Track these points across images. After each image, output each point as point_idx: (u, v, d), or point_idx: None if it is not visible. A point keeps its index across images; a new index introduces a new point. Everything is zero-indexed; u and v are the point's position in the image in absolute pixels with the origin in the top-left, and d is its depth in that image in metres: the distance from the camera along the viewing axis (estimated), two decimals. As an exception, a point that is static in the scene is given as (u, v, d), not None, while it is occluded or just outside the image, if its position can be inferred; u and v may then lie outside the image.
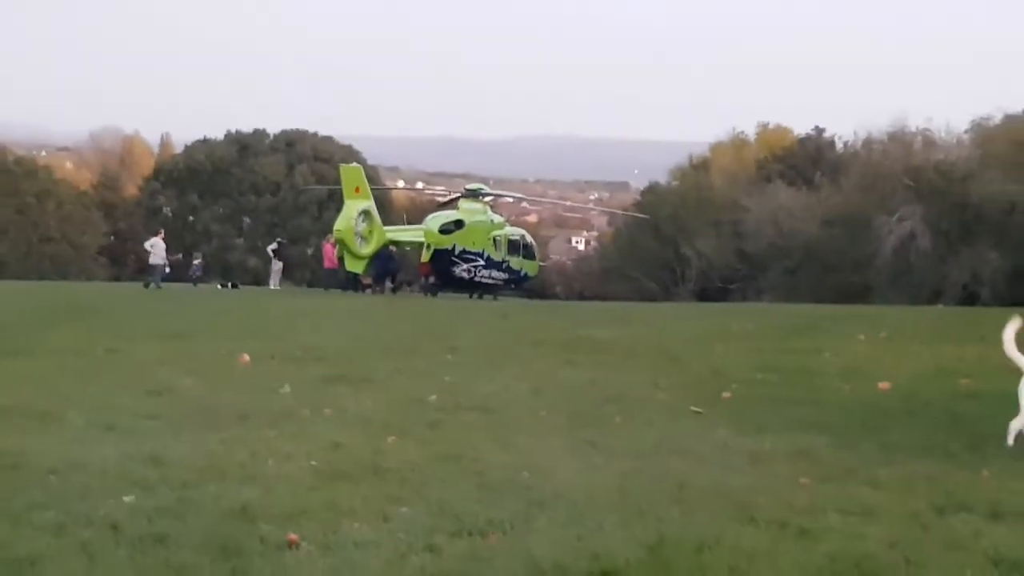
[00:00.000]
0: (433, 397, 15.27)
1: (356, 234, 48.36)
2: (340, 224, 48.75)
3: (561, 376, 18.05)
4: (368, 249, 49.02)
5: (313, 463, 10.51)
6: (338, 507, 8.81)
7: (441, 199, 63.25)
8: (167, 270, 49.96)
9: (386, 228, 50.94)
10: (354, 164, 54.52)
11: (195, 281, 52.69)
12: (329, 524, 8.30)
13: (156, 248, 49.26)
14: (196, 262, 57.04)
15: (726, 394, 16.41)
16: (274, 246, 54.87)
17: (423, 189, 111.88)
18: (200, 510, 8.60)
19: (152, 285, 46.69)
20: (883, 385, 17.16)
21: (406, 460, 10.84)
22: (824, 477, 10.72)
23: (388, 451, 11.31)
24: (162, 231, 53.55)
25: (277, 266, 53.80)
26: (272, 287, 52.44)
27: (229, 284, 55.61)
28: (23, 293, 40.28)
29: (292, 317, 27.92)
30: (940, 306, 43.24)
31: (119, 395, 14.75)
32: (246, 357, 18.74)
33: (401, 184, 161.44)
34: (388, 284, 51.79)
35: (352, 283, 50.59)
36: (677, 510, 9.05)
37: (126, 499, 8.87)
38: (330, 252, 51.23)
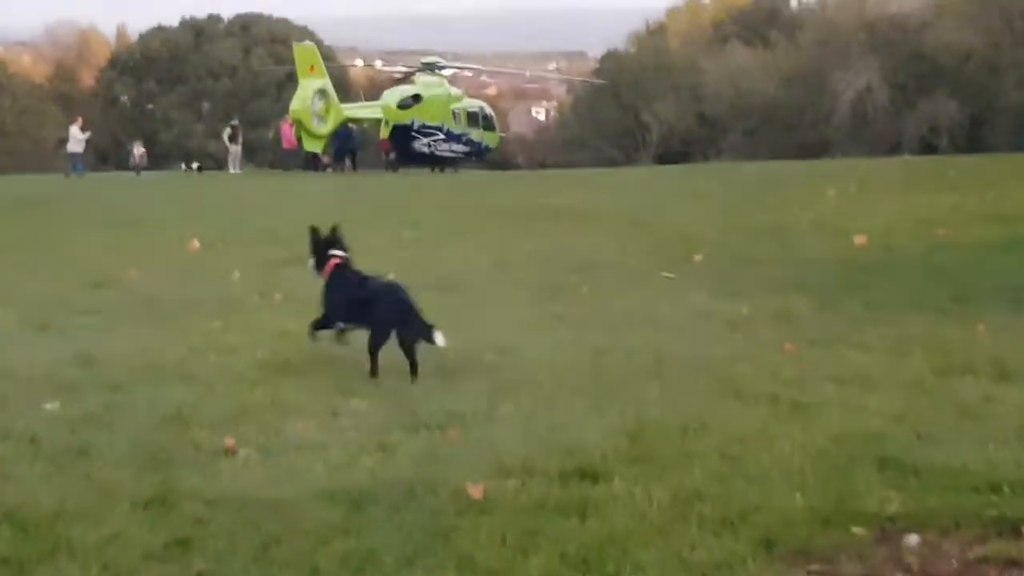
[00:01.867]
0: (391, 275, 14.23)
1: (313, 113, 46.70)
2: (296, 104, 46.97)
3: (525, 246, 17.04)
4: (326, 128, 47.39)
5: (258, 355, 9.51)
6: (283, 404, 7.83)
7: (399, 76, 61.62)
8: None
9: (343, 105, 49.29)
10: (307, 43, 52.65)
11: (137, 170, 50.26)
12: (271, 425, 7.29)
13: (73, 136, 47.84)
14: (137, 151, 53.81)
15: (697, 257, 15.44)
16: (228, 130, 53.07)
17: (381, 67, 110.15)
18: (129, 416, 7.55)
19: (74, 175, 45.35)
20: (859, 240, 16.22)
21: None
22: (810, 341, 9.84)
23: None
24: (79, 119, 51.49)
25: (234, 149, 52.01)
26: (232, 171, 50.92)
27: (195, 166, 53.63)
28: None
29: (246, 200, 26.76)
30: (905, 156, 42.16)
31: (59, 290, 13.68)
32: (195, 243, 17.61)
33: (359, 63, 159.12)
34: (348, 162, 50.52)
35: (312, 163, 49.29)
36: (656, 388, 8.08)
37: (48, 407, 7.81)
38: (288, 133, 49.59)
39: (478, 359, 9.24)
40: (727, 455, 6.39)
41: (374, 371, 8.74)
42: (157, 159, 76.42)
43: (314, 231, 9.83)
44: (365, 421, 7.39)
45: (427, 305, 10.15)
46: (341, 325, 9.38)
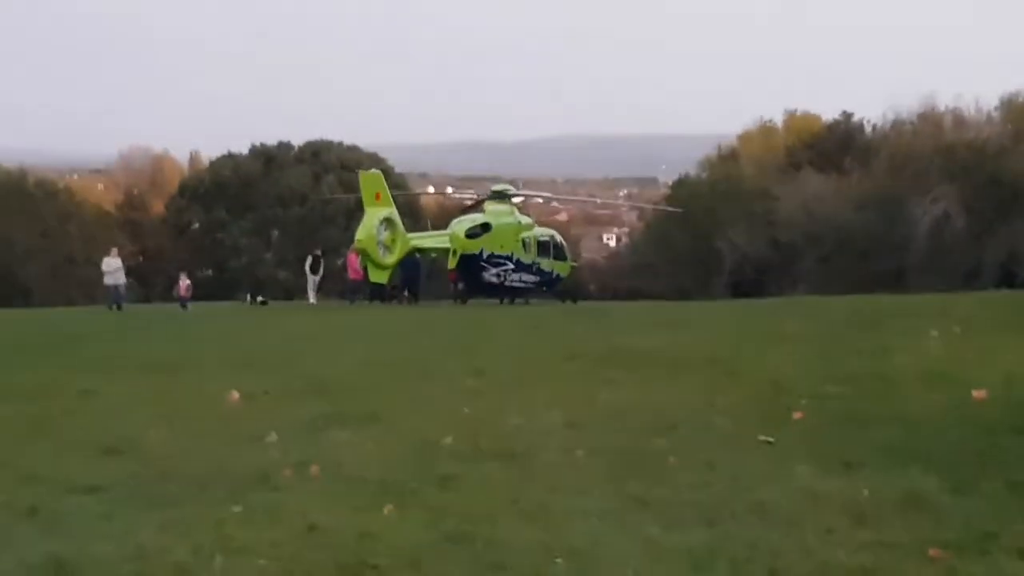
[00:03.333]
0: (449, 439, 12.37)
1: (379, 243, 45.18)
2: (361, 233, 45.38)
3: (600, 400, 15.07)
4: (392, 258, 45.84)
5: (261, 562, 7.62)
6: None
7: (469, 203, 60.24)
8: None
9: (410, 235, 47.75)
10: (373, 170, 51.01)
11: (183, 303, 48.16)
12: None
13: (109, 267, 46.68)
14: (183, 283, 51.38)
15: (797, 414, 13.41)
16: (310, 259, 51.64)
17: (452, 193, 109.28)
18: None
19: (114, 307, 44.33)
20: (978, 394, 14.11)
21: (402, 546, 8.02)
22: (958, 544, 7.83)
23: (380, 531, 8.46)
24: (114, 248, 50.21)
25: (314, 279, 50.77)
26: (311, 301, 49.62)
27: (258, 299, 51.69)
28: (26, 321, 37.57)
29: (301, 340, 24.89)
30: (1005, 290, 39.82)
31: (64, 457, 11.84)
32: (235, 395, 15.77)
33: (430, 189, 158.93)
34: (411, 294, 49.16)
35: (378, 294, 47.84)
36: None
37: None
38: (354, 262, 48.29)
39: (545, 570, 7.32)
40: None
41: None
42: (226, 287, 75.66)
43: None
44: None
45: (488, 481, 8.32)
46: None
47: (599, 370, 17.76)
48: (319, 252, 52.30)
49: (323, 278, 52.42)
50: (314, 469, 10.83)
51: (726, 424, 13.10)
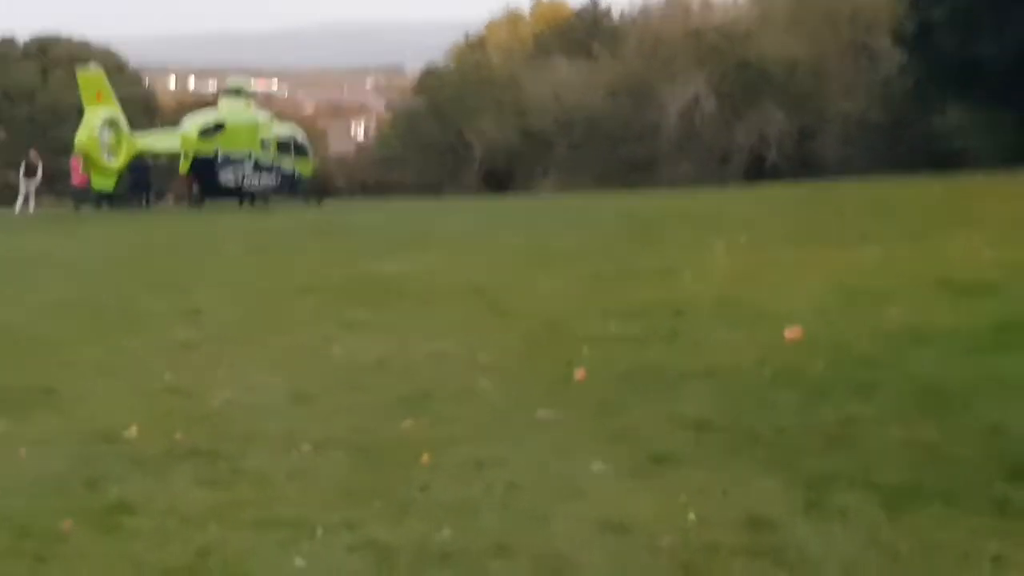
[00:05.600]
0: (133, 429, 9.25)
1: (101, 146, 40.85)
2: (82, 135, 40.92)
3: (337, 355, 12.04)
4: (117, 162, 41.62)
5: None
6: None
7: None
8: None
9: (137, 135, 43.43)
10: (92, 67, 45.91)
11: None
12: None
13: None
14: None
15: (579, 372, 10.65)
16: (24, 165, 46.66)
17: (193, 88, 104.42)
18: None
19: None
20: (791, 333, 11.61)
21: None
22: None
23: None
24: None
25: (29, 185, 45.89)
26: (18, 212, 44.77)
27: None
28: None
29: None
30: (779, 185, 37.82)
31: None
32: None
33: (172, 83, 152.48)
34: (144, 199, 45.24)
35: (105, 199, 43.66)
36: None
37: None
38: (78, 167, 43.92)
39: None
40: None
41: None
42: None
43: None
44: None
45: (177, 501, 5.49)
46: None
47: (338, 308, 14.70)
48: (34, 155, 47.26)
49: (56, 178, 48.09)
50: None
51: (493, 390, 10.26)
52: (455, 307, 14.28)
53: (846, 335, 11.56)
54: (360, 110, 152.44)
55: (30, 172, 45.40)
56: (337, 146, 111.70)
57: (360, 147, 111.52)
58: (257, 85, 61.22)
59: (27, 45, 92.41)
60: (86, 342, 13.07)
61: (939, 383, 9.47)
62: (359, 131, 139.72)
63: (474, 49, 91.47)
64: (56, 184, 52.27)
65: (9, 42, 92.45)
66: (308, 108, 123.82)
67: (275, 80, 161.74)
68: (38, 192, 46.50)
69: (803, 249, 17.19)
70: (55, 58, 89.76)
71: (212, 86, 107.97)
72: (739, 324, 12.32)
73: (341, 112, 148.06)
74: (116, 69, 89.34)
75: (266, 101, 60.28)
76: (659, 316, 12.95)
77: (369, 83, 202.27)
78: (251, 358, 12.04)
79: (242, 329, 13.65)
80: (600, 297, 14.32)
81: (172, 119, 53.35)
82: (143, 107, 77.87)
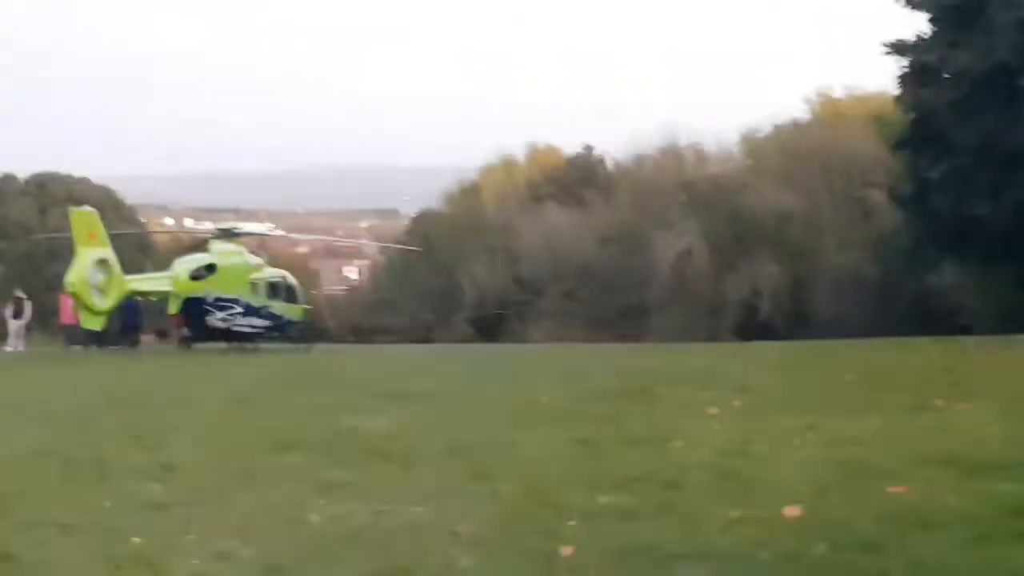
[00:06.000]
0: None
1: (91, 286, 40.52)
2: (73, 276, 40.68)
3: (313, 522, 11.43)
4: (107, 303, 41.31)
5: None
6: None
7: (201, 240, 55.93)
8: None
9: (128, 277, 43.13)
10: (86, 207, 45.72)
11: None
12: None
13: None
14: None
15: (566, 549, 10.02)
16: (10, 305, 46.48)
17: (188, 230, 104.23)
18: None
19: None
20: (791, 511, 11.00)
21: None
22: None
23: None
24: None
25: (16, 325, 45.76)
26: (9, 349, 44.56)
27: None
28: None
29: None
30: (772, 344, 37.36)
31: None
32: None
33: (169, 222, 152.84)
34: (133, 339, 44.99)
35: (95, 339, 43.39)
36: None
37: None
38: (68, 305, 43.67)
39: None
40: None
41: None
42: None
43: None
44: None
45: None
46: None
47: (318, 467, 14.07)
48: (22, 295, 47.13)
49: (49, 314, 47.84)
50: None
51: (475, 568, 9.63)
52: (437, 470, 13.66)
53: (848, 516, 10.93)
54: (354, 252, 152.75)
55: (18, 312, 45.28)
56: (330, 287, 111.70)
57: (352, 289, 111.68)
58: (251, 226, 60.98)
59: (27, 182, 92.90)
60: (54, 499, 12.43)
61: (934, 566, 8.88)
62: (352, 273, 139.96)
63: (468, 194, 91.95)
64: (51, 320, 52.16)
65: (10, 178, 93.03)
66: (303, 248, 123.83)
67: (267, 224, 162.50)
68: (28, 329, 46.29)
69: (800, 416, 16.59)
70: (53, 195, 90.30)
71: (209, 225, 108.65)
72: (735, 499, 11.69)
73: (335, 253, 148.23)
74: (113, 207, 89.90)
75: (259, 242, 60.02)
76: (651, 488, 12.33)
77: (363, 225, 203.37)
78: (224, 522, 11.39)
79: (217, 489, 13.00)
80: (589, 464, 13.70)
81: (167, 258, 53.07)
82: (138, 245, 77.87)
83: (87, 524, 11.32)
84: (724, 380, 20.97)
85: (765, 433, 15.33)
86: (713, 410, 17.17)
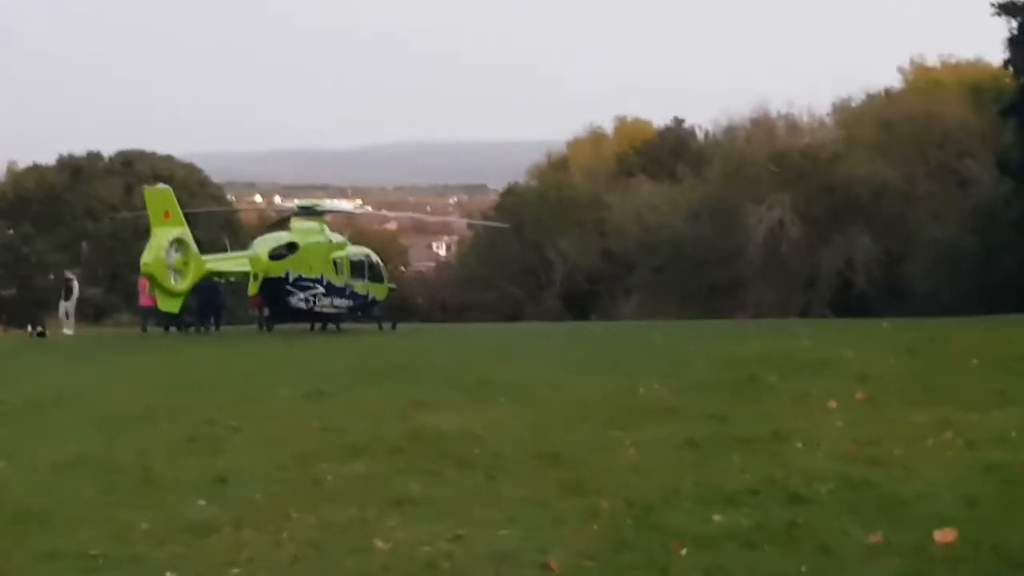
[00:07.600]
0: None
1: (168, 267, 38.94)
2: (148, 256, 38.90)
3: (378, 550, 9.67)
4: (184, 284, 39.67)
5: None
6: None
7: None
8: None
9: (206, 257, 41.50)
10: (161, 185, 43.72)
11: None
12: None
13: None
14: None
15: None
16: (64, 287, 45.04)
17: (276, 206, 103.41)
18: None
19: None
20: (942, 536, 9.11)
21: None
22: None
23: None
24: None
25: (65, 305, 44.19)
26: (66, 331, 43.23)
27: (37, 330, 44.69)
28: None
29: (26, 414, 18.97)
30: (884, 324, 34.96)
31: None
32: None
33: (258, 199, 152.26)
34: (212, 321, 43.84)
35: (173, 321, 42.18)
36: None
37: None
38: (145, 287, 42.29)
39: None
40: None
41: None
42: (32, 307, 68.62)
43: None
44: None
45: None
46: None
47: (389, 477, 12.32)
48: (70, 276, 45.72)
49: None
50: None
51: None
52: (524, 482, 11.87)
53: (1011, 539, 9.03)
54: (443, 228, 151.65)
55: (68, 293, 44.08)
56: (418, 263, 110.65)
57: (441, 265, 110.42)
58: (336, 203, 59.61)
59: (112, 160, 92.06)
60: (83, 520, 10.77)
61: None
62: (441, 249, 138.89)
63: (556, 168, 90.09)
64: (134, 301, 51.17)
65: (95, 157, 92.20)
66: (392, 225, 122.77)
67: (355, 201, 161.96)
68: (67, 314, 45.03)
69: (931, 410, 14.63)
70: (139, 173, 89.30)
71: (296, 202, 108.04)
72: (872, 518, 9.82)
73: (424, 229, 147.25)
74: (199, 185, 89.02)
75: (347, 219, 58.51)
76: (771, 503, 10.50)
77: (452, 201, 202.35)
78: (276, 550, 9.71)
79: (272, 507, 11.28)
80: (697, 471, 11.86)
81: (253, 236, 51.48)
82: (227, 224, 76.78)
83: (115, 554, 9.64)
84: (838, 367, 19.09)
85: (894, 432, 13.40)
86: (833, 404, 15.30)
